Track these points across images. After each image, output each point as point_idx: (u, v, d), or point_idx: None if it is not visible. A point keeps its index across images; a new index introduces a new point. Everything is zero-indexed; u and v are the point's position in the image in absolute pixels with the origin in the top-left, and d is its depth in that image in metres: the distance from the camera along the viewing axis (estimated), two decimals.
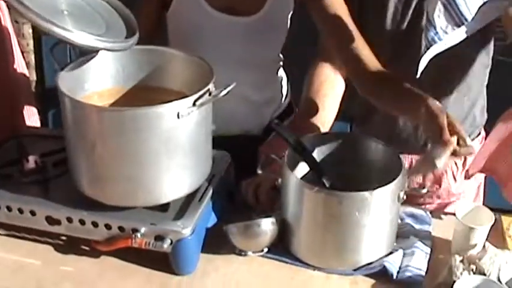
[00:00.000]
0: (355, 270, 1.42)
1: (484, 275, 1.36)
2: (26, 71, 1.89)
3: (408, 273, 1.39)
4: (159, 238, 1.37)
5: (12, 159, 1.58)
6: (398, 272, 1.40)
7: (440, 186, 1.80)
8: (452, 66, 1.67)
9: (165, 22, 1.76)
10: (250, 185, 1.56)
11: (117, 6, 1.48)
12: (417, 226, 1.55)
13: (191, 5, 1.69)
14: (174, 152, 1.36)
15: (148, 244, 1.37)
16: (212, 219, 1.48)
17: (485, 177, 1.86)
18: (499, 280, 1.34)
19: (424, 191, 1.46)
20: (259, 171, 1.49)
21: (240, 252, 1.45)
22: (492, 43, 1.71)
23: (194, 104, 1.32)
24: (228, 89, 1.36)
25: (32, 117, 1.88)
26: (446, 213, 1.65)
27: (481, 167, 1.66)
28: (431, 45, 1.53)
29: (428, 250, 1.47)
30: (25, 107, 1.86)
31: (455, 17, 1.49)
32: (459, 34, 1.52)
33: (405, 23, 1.64)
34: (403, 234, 1.50)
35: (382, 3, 1.64)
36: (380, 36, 1.65)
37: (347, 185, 1.41)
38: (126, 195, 1.39)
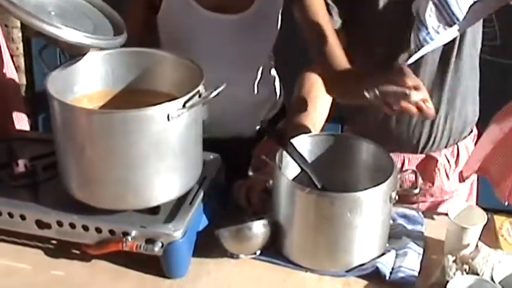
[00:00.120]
0: (347, 271, 1.41)
1: (477, 274, 1.35)
2: (15, 75, 1.88)
3: (401, 274, 1.39)
4: (150, 241, 1.36)
5: (1, 163, 1.56)
6: (391, 273, 1.40)
7: (433, 184, 1.80)
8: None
9: (155, 25, 1.75)
10: (241, 187, 1.56)
11: (103, 8, 1.48)
12: (409, 226, 1.55)
13: (181, 5, 1.68)
14: (164, 154, 1.35)
15: (139, 247, 1.36)
16: (203, 222, 1.47)
17: (478, 177, 1.86)
18: (492, 280, 1.33)
19: (416, 191, 1.45)
20: (251, 173, 1.49)
21: (232, 255, 1.44)
22: (480, 41, 1.71)
23: (184, 106, 1.32)
24: (218, 90, 1.36)
25: (21, 121, 1.87)
26: (438, 214, 1.66)
27: (475, 169, 1.66)
28: (422, 46, 1.53)
29: (421, 250, 1.47)
30: (14, 111, 1.85)
31: (447, 17, 1.49)
32: (451, 34, 1.53)
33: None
34: (395, 235, 1.50)
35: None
36: (373, 30, 1.65)
37: (339, 186, 1.41)
38: (117, 198, 1.38)
